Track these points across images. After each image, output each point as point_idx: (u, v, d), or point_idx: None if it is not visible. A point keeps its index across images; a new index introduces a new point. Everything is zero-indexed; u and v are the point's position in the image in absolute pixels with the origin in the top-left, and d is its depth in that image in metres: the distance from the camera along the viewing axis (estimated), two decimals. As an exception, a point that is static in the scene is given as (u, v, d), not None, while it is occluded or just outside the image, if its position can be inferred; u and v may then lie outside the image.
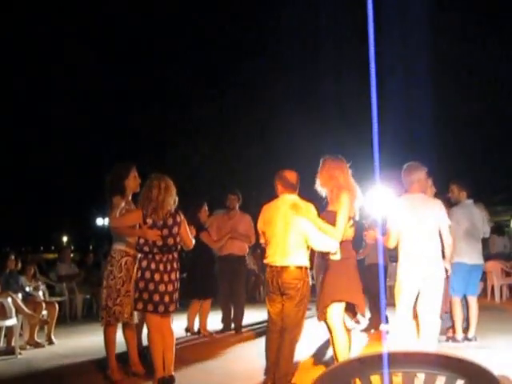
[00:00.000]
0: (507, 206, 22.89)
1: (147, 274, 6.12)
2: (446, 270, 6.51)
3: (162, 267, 6.15)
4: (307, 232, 5.87)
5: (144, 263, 6.17)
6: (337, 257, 5.95)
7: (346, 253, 5.97)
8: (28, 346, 9.06)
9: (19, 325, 8.83)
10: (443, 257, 6.39)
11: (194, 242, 6.71)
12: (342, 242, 5.92)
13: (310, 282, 6.08)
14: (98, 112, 36.51)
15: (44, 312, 9.43)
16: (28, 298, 9.57)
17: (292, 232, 5.92)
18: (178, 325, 9.51)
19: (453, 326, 8.43)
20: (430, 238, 6.19)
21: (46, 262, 18.15)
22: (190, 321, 9.83)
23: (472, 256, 8.36)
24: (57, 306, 9.90)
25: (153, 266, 6.13)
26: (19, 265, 10.22)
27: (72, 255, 28.29)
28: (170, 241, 6.20)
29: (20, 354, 8.49)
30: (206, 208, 9.80)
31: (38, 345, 9.15)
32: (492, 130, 29.52)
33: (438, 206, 6.41)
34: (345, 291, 5.91)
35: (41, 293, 10.45)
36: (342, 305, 5.93)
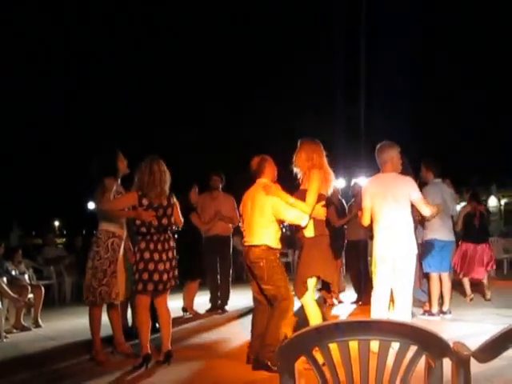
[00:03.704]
0: (484, 185, 23.18)
1: (146, 255, 6.19)
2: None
3: (160, 246, 6.25)
4: (278, 207, 5.97)
5: (142, 245, 6.24)
6: (309, 233, 6.03)
7: (318, 230, 6.04)
8: (14, 330, 9.06)
9: (4, 309, 8.86)
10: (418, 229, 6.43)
11: (182, 221, 6.78)
12: (314, 220, 6.00)
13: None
14: (90, 98, 36.50)
15: (30, 295, 9.43)
16: (13, 282, 9.56)
17: (256, 213, 6.10)
18: (174, 305, 9.62)
19: (429, 301, 8.55)
20: (401, 214, 6.24)
21: (35, 247, 18.13)
22: (187, 301, 9.94)
23: (444, 232, 8.45)
24: (43, 289, 9.88)
25: (151, 246, 6.22)
26: (2, 249, 10.19)
27: (64, 240, 28.36)
28: (165, 221, 6.29)
29: (6, 337, 8.51)
30: (197, 189, 9.84)
31: (24, 328, 9.15)
32: (471, 113, 29.84)
33: (409, 183, 6.44)
34: (317, 267, 5.97)
35: (26, 276, 10.44)
36: (314, 280, 5.99)
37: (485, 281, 10.05)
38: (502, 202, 26.65)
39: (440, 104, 32.54)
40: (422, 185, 8.53)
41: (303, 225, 5.98)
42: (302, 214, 5.89)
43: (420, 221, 8.62)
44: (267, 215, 6.00)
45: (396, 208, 6.22)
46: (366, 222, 6.52)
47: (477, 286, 10.33)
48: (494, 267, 10.44)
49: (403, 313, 6.22)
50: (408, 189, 6.32)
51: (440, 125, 32.20)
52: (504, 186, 24.94)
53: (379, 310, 6.30)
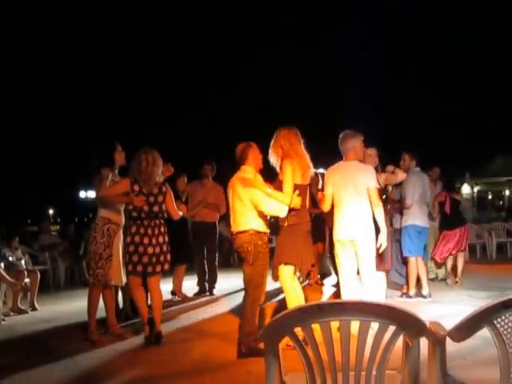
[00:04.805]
0: (459, 173, 23.38)
1: (137, 239, 6.35)
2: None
3: (150, 231, 6.39)
4: (256, 199, 5.86)
5: (133, 229, 6.40)
6: (284, 222, 6.02)
7: (294, 219, 5.99)
8: (12, 313, 9.09)
9: (2, 293, 8.86)
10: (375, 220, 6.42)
11: (180, 214, 6.91)
12: (290, 210, 5.93)
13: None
14: (83, 90, 36.29)
15: (26, 280, 9.44)
16: (11, 267, 9.58)
17: (237, 202, 5.97)
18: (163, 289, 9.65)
19: (407, 284, 8.61)
20: (360, 202, 6.29)
21: (31, 234, 18.07)
22: (176, 284, 9.99)
23: (422, 219, 8.51)
24: (38, 273, 9.89)
25: (142, 230, 6.37)
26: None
27: (58, 227, 28.27)
28: (156, 208, 6.44)
29: (4, 320, 8.52)
30: (185, 179, 9.82)
31: (21, 311, 9.18)
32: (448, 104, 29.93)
33: (369, 171, 6.50)
34: (291, 255, 5.95)
35: (23, 262, 10.43)
36: (291, 267, 5.99)
37: (459, 267, 10.08)
38: (475, 189, 26.80)
39: (416, 96, 32.63)
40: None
41: (282, 216, 5.92)
42: (281, 205, 5.81)
43: (398, 208, 8.67)
44: (248, 205, 5.88)
45: (356, 196, 6.28)
46: (326, 207, 6.55)
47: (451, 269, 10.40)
48: (463, 249, 10.32)
49: (373, 290, 6.31)
50: (367, 178, 6.36)
51: (417, 115, 32.35)
52: (477, 174, 25.08)
53: (349, 291, 6.37)
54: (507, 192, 30.17)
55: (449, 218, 9.80)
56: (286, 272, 6.00)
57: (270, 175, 6.19)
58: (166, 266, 6.55)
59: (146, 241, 6.35)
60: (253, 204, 5.87)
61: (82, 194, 36.44)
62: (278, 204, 5.82)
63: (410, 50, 33.04)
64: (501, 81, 31.29)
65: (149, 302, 6.82)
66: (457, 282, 9.94)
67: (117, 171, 6.97)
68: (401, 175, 7.91)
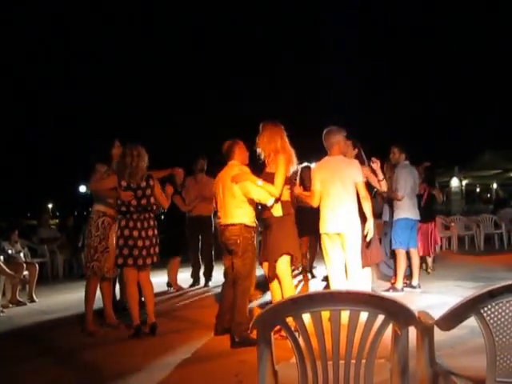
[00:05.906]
0: (447, 167, 23.45)
1: (126, 232, 6.32)
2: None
3: (139, 225, 6.37)
4: (247, 189, 5.95)
5: (123, 222, 6.37)
6: (278, 213, 6.02)
7: (285, 210, 6.03)
8: (10, 305, 9.08)
9: (1, 285, 8.85)
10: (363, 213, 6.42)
11: (169, 202, 6.96)
12: (281, 201, 5.99)
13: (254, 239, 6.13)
14: (84, 88, 36.25)
15: (25, 272, 9.43)
16: (10, 260, 9.58)
17: (227, 195, 6.07)
18: (159, 281, 9.59)
19: (395, 276, 8.58)
20: (347, 196, 6.32)
21: (30, 227, 18.05)
22: (171, 276, 10.02)
23: (415, 212, 8.48)
24: (37, 266, 9.89)
25: (131, 224, 6.35)
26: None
27: (57, 220, 28.23)
28: (144, 201, 6.40)
29: (3, 312, 8.52)
30: (183, 173, 9.81)
31: (19, 303, 9.18)
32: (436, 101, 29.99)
33: (354, 166, 6.52)
34: (288, 245, 5.98)
35: (22, 255, 10.40)
36: (287, 257, 6.00)
37: (430, 259, 10.11)
38: (464, 182, 26.78)
39: (410, 93, 32.69)
40: (392, 166, 8.59)
41: (269, 204, 5.96)
42: (268, 195, 5.89)
43: (388, 200, 8.65)
44: (238, 196, 5.99)
45: (343, 191, 6.32)
46: (315, 203, 6.56)
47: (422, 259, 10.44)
48: (437, 245, 10.26)
49: (359, 282, 6.36)
50: (354, 173, 6.39)
51: (408, 111, 32.41)
52: (465, 168, 25.08)
53: (337, 281, 6.39)
54: (495, 185, 30.21)
55: (421, 210, 9.65)
56: (286, 262, 6.00)
57: (256, 168, 6.24)
58: (155, 259, 6.53)
59: (135, 234, 6.34)
60: (243, 192, 5.97)
61: (82, 189, 36.39)
62: (265, 193, 5.89)
63: (409, 50, 33.12)
64: (494, 78, 31.39)
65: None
66: (429, 272, 9.98)
67: (115, 167, 6.94)
68: (377, 182, 7.67)
